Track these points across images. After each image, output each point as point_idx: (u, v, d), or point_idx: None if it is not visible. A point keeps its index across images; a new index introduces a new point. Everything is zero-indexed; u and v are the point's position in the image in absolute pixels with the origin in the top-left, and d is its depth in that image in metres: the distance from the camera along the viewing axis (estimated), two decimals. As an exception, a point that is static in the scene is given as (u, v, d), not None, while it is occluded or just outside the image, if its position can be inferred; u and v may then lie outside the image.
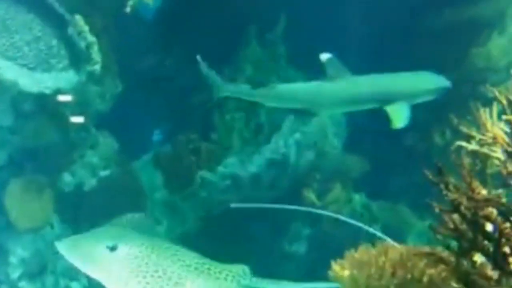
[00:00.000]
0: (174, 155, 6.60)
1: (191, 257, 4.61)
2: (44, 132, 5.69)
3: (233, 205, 5.69)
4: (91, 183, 6.08)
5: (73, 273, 5.67)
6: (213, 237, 6.25)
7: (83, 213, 5.91)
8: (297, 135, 6.78)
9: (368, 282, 2.54)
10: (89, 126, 6.18)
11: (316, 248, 6.54)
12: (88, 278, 5.78)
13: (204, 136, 6.61)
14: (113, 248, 4.30)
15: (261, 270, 5.96)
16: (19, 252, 5.47)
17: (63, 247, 4.34)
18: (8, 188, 5.50)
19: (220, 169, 6.42)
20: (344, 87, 5.29)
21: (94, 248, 4.30)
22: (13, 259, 5.42)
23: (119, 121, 6.49)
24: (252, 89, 5.53)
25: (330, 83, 5.28)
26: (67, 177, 5.95)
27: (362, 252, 2.72)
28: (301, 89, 5.51)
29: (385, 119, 5.40)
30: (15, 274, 5.40)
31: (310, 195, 6.76)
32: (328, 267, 2.97)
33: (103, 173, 6.18)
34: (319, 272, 6.16)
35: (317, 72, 5.43)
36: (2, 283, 5.34)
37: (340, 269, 2.66)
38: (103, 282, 4.14)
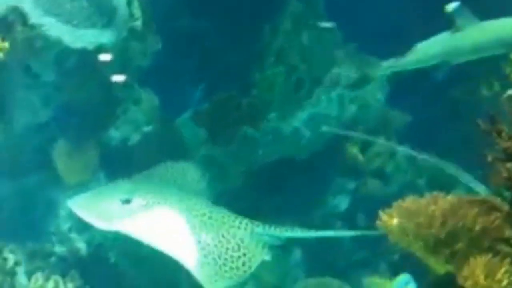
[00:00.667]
0: (215, 111, 6.62)
1: (206, 207, 4.63)
2: (88, 88, 5.74)
3: (324, 128, 5.92)
4: (134, 138, 6.16)
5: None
6: (255, 192, 6.31)
7: (127, 168, 6.00)
8: (339, 89, 6.68)
9: (417, 231, 2.50)
10: (132, 82, 6.22)
11: (359, 202, 6.51)
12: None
13: (245, 92, 6.57)
14: (126, 201, 4.32)
15: (303, 224, 6.01)
16: (67, 206, 5.64)
17: (75, 205, 4.36)
18: (55, 143, 5.63)
19: (262, 124, 6.40)
20: (475, 35, 5.23)
21: (107, 203, 4.31)
22: (62, 212, 5.60)
23: (160, 78, 6.50)
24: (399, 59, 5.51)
25: (460, 33, 5.23)
26: (111, 133, 6.05)
27: (410, 202, 2.67)
28: (436, 44, 5.42)
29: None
30: (65, 226, 5.59)
31: (353, 149, 6.70)
32: (372, 220, 2.94)
33: (146, 128, 6.24)
34: (362, 226, 6.24)
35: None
36: (54, 234, 5.54)
37: (389, 218, 2.62)
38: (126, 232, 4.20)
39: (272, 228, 4.64)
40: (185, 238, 4.26)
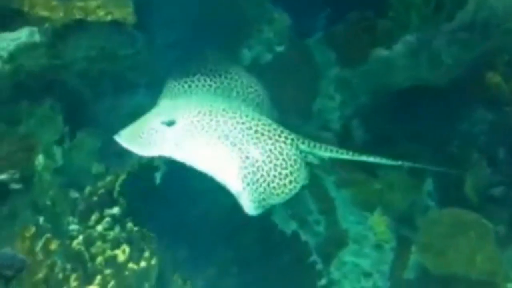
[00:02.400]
0: (347, 32, 6.40)
1: (251, 119, 4.38)
2: (223, 6, 5.75)
3: None
4: (266, 57, 6.14)
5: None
6: (387, 117, 6.09)
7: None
8: (484, 12, 6.13)
9: None
10: (264, 1, 6.15)
11: (499, 134, 6.07)
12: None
13: (380, 13, 6.25)
14: (170, 123, 4.17)
15: (438, 154, 5.74)
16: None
17: (123, 139, 4.23)
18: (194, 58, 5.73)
19: (397, 47, 6.07)
20: None
21: (152, 130, 4.16)
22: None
23: (292, -2, 6.37)
24: None
25: None
26: (244, 52, 6.07)
27: None
28: None
29: None
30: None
31: (496, 78, 6.20)
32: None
33: (279, 48, 6.21)
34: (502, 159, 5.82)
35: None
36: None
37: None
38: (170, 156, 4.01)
39: (317, 146, 4.38)
40: (233, 157, 4.10)
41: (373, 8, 6.33)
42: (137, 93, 5.50)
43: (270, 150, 4.28)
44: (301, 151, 4.36)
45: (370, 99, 6.18)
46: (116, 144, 4.90)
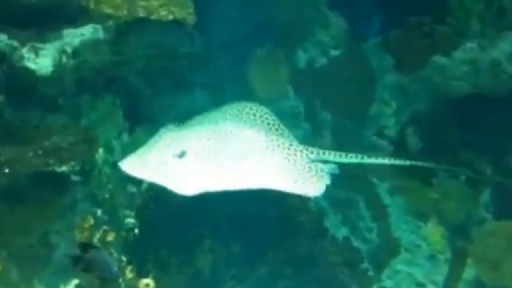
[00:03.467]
0: (405, 38, 6.31)
1: (261, 137, 4.29)
2: (283, 7, 5.77)
3: None
4: (321, 61, 6.12)
5: (306, 144, 5.89)
6: (445, 124, 5.97)
7: (315, 88, 6.03)
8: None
9: None
10: (321, 5, 6.14)
11: None
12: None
13: (438, 19, 6.14)
14: (181, 155, 3.97)
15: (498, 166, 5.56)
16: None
17: (129, 167, 3.95)
18: (250, 59, 5.78)
19: (457, 54, 5.95)
20: None
21: (162, 162, 3.93)
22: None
23: (349, 1, 6.33)
24: None
25: None
26: (299, 54, 6.07)
27: None
28: None
29: None
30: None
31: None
32: None
33: (334, 52, 6.17)
34: None
35: None
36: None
37: None
38: (183, 191, 3.83)
39: (327, 153, 4.29)
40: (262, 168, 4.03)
41: (431, 14, 6.23)
42: (194, 92, 5.56)
43: (281, 163, 4.21)
44: (312, 160, 4.29)
45: (427, 106, 6.07)
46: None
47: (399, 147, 5.98)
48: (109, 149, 4.95)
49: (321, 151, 4.31)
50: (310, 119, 6.02)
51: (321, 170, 4.20)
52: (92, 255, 3.51)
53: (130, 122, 5.21)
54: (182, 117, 5.33)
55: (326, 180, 4.15)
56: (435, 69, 5.97)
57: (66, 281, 4.38)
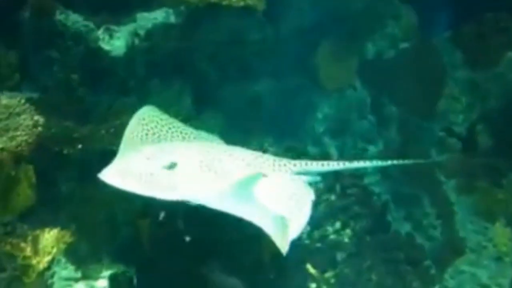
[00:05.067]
0: (479, 33, 6.13)
1: (244, 153, 4.07)
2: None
3: None
4: (390, 53, 6.01)
5: (371, 136, 5.81)
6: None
7: (382, 81, 5.92)
8: None
9: None
10: (392, -3, 6.03)
11: None
12: (385, 141, 5.89)
13: (514, 14, 5.92)
14: (171, 167, 3.79)
15: None
16: (325, 110, 5.78)
17: (111, 177, 3.73)
18: (318, 49, 5.73)
19: (534, 51, 5.73)
20: None
21: (152, 173, 3.75)
22: (319, 115, 5.76)
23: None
24: None
25: None
26: (368, 45, 5.97)
27: None
28: None
29: None
30: (320, 128, 5.75)
31: None
32: None
33: (403, 45, 6.05)
34: None
35: None
36: (309, 135, 5.73)
37: None
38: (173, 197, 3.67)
39: (308, 164, 4.05)
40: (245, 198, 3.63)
41: (507, 10, 6.01)
42: (261, 79, 5.55)
43: (272, 183, 3.91)
44: (296, 173, 4.02)
45: (499, 103, 5.86)
46: (238, 127, 4.99)
47: (467, 145, 5.79)
48: (177, 132, 4.99)
49: (303, 163, 4.09)
50: (376, 111, 5.93)
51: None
52: None
53: (198, 107, 5.26)
54: (248, 105, 5.37)
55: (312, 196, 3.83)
56: (510, 66, 5.78)
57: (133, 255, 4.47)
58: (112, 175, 3.74)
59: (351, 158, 5.42)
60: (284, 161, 4.08)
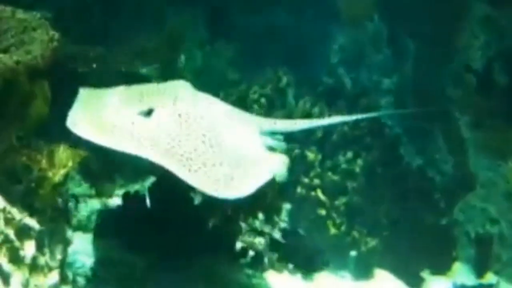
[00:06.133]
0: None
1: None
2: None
3: None
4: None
5: (386, 69, 5.76)
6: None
7: (400, 14, 5.81)
8: None
9: None
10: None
11: None
12: (400, 75, 5.82)
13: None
14: (148, 113, 3.61)
15: None
16: (340, 40, 5.72)
17: (81, 128, 3.60)
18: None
19: None
20: None
21: (124, 121, 3.57)
22: (334, 46, 5.71)
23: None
24: None
25: None
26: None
27: None
28: None
29: None
30: (334, 59, 5.71)
31: None
32: None
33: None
34: None
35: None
36: (323, 65, 5.68)
37: None
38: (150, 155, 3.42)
39: (279, 122, 3.98)
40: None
41: None
42: (277, 10, 5.49)
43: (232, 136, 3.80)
44: (266, 132, 3.89)
45: (515, 40, 5.73)
46: (252, 56, 4.97)
47: (484, 82, 5.70)
48: (191, 57, 4.99)
49: (272, 121, 3.99)
50: (392, 44, 5.85)
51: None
52: None
53: (211, 34, 5.23)
54: (262, 36, 5.32)
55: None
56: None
57: (145, 178, 4.53)
58: (82, 126, 3.67)
59: (365, 90, 5.44)
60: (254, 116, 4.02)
